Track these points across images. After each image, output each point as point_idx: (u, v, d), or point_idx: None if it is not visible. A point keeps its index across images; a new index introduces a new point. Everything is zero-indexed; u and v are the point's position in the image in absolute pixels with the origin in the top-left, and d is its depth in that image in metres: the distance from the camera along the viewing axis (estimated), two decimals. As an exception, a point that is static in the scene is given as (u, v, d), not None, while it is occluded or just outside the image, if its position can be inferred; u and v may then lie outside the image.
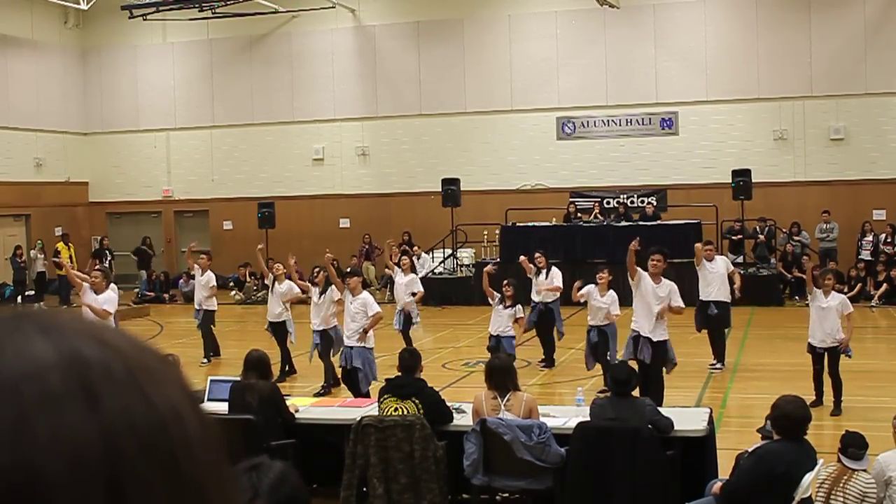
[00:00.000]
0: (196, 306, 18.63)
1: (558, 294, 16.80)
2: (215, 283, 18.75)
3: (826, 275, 13.38)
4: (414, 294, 17.25)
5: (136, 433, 0.73)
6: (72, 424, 0.71)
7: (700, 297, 16.38)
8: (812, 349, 13.21)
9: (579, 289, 14.81)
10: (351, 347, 13.69)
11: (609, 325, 14.64)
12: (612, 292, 14.64)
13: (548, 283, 16.74)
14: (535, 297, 16.88)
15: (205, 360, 18.21)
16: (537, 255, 17.16)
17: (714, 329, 16.31)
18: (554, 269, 16.99)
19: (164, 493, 0.74)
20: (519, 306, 15.20)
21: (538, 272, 16.97)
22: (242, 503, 3.23)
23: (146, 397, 0.76)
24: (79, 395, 0.72)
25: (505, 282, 15.32)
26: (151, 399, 0.76)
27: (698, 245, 16.86)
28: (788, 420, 7.38)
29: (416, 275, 18.97)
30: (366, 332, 13.64)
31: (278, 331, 16.73)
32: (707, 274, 16.26)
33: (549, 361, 16.93)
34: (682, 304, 13.32)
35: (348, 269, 15.69)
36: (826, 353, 13.03)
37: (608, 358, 14.49)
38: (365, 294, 14.12)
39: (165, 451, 0.75)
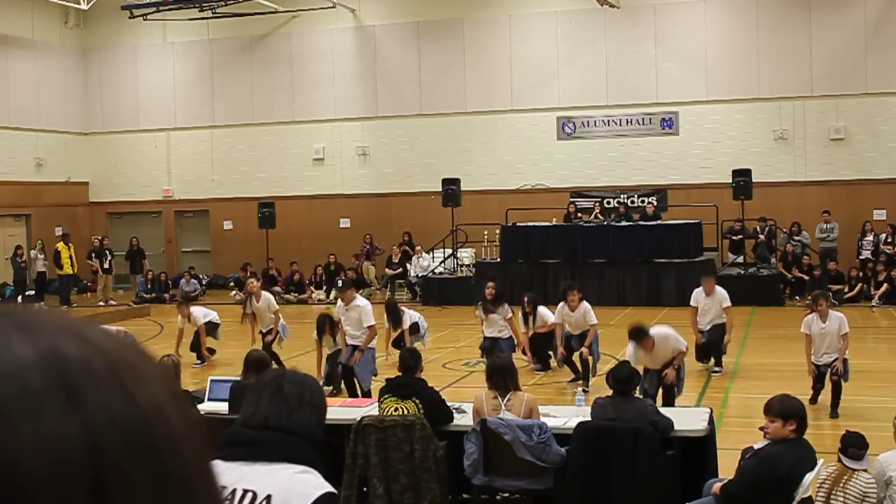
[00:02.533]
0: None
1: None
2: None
3: (818, 300, 13.30)
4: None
5: (119, 430, 0.73)
6: (53, 422, 0.71)
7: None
8: (815, 367, 13.24)
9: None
10: (353, 347, 13.80)
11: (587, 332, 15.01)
12: (583, 304, 15.01)
13: (539, 325, 16.44)
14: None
15: (198, 362, 18.44)
16: (525, 299, 16.58)
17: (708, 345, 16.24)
18: (540, 309, 16.46)
19: (148, 490, 0.73)
20: (506, 305, 15.30)
21: (526, 318, 16.48)
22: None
23: (128, 394, 0.75)
24: (59, 392, 0.72)
25: (488, 284, 15.58)
26: (134, 396, 0.75)
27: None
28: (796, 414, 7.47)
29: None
30: (362, 350, 13.85)
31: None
32: (702, 307, 16.12)
33: (544, 364, 16.86)
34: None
35: (340, 283, 15.75)
36: (828, 368, 13.06)
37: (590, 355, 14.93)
38: (361, 302, 14.18)
39: (149, 448, 0.74)
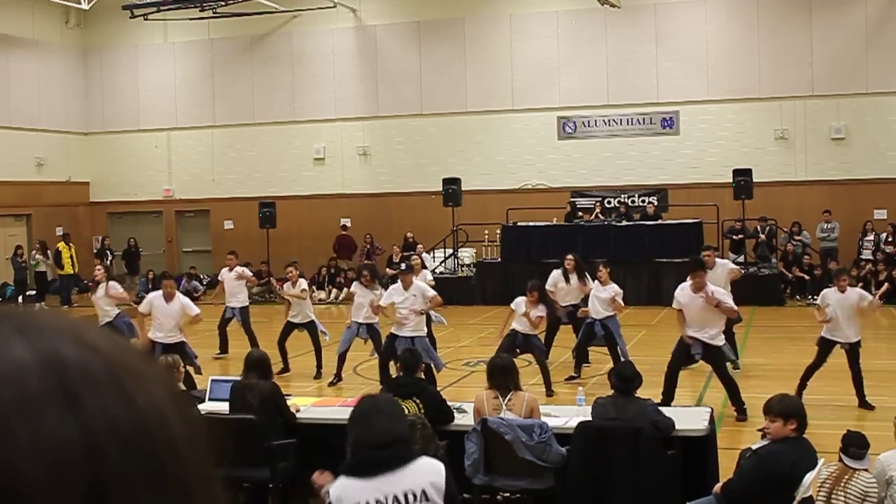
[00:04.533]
0: (229, 304, 18.69)
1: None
2: (251, 274, 19.39)
3: (840, 275, 13.78)
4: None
5: (118, 434, 0.72)
6: (52, 426, 0.70)
7: None
8: (826, 342, 13.38)
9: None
10: (412, 338, 13.92)
11: (612, 319, 15.27)
12: (613, 284, 15.42)
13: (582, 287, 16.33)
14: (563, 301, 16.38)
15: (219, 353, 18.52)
16: (568, 258, 16.49)
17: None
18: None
19: (148, 493, 0.73)
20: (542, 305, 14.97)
21: (567, 277, 16.41)
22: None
23: (128, 397, 0.74)
24: (58, 396, 0.71)
25: (530, 285, 14.92)
26: (133, 399, 0.75)
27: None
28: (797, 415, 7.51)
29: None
30: (422, 312, 14.28)
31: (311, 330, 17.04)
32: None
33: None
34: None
35: (403, 267, 15.59)
36: (846, 351, 13.25)
37: (619, 352, 15.16)
38: (420, 283, 14.35)
39: (148, 451, 0.74)
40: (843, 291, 13.32)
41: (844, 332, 13.28)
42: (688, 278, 13.14)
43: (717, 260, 16.35)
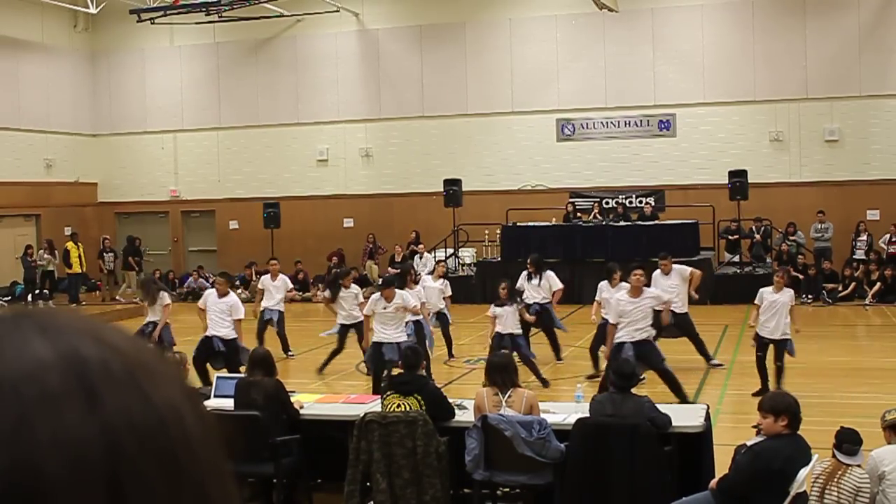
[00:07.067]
0: (270, 307, 18.33)
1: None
2: (291, 286, 19.31)
3: (777, 272, 14.30)
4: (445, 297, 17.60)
5: (136, 432, 0.73)
6: (72, 424, 0.71)
7: None
8: (759, 338, 13.89)
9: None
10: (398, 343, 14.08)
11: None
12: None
13: (543, 287, 16.98)
14: (528, 300, 16.79)
15: (291, 354, 18.48)
16: (528, 262, 17.22)
17: (686, 336, 16.38)
18: (548, 272, 17.19)
19: (165, 491, 0.74)
20: (517, 301, 15.45)
21: (530, 278, 17.06)
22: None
23: (146, 396, 0.75)
24: (78, 394, 0.72)
25: (502, 285, 15.52)
26: (151, 397, 0.76)
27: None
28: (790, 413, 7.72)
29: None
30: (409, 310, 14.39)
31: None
32: (662, 288, 15.77)
33: (556, 355, 17.16)
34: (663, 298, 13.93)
35: (381, 281, 15.34)
36: (773, 345, 13.70)
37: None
38: (402, 293, 14.54)
39: (165, 449, 0.75)
40: (777, 289, 13.86)
41: (767, 325, 13.79)
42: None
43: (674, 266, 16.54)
